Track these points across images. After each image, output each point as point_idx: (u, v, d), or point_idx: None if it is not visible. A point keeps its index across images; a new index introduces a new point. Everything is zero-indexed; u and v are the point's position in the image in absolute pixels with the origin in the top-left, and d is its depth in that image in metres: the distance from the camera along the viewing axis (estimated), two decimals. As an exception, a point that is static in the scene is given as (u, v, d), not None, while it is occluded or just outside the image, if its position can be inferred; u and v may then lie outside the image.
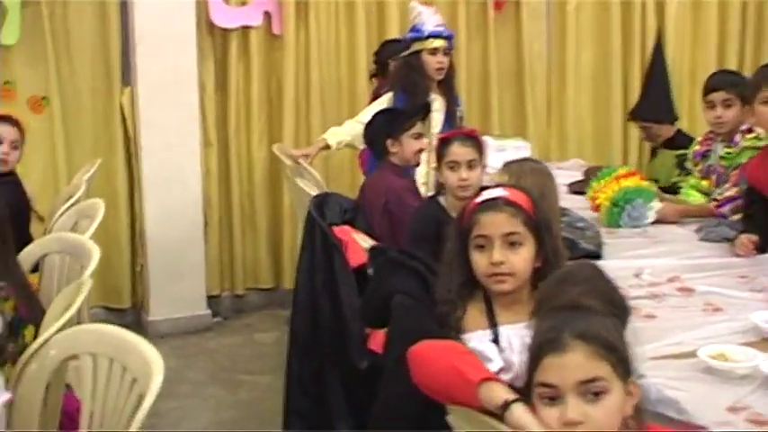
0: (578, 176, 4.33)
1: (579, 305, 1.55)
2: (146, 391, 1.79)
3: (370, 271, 2.70)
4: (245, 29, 4.91)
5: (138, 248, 4.85)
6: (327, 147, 4.27)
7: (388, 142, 3.60)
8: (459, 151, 3.15)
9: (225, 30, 4.88)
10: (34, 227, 3.90)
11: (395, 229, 3.40)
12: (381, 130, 3.63)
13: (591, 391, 1.48)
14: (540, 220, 2.06)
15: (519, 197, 2.07)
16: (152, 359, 1.84)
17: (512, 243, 2.02)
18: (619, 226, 3.50)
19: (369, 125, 3.74)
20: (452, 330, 2.03)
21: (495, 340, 2.02)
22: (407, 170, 3.67)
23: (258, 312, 5.10)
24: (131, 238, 4.85)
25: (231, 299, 5.12)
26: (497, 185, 2.18)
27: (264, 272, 5.17)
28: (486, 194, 2.09)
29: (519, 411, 1.57)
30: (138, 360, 1.88)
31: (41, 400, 2.04)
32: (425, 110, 3.82)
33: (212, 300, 4.96)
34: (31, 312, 2.38)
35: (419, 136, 3.62)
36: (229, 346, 4.62)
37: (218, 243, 5.03)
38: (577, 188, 4.08)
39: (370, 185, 3.63)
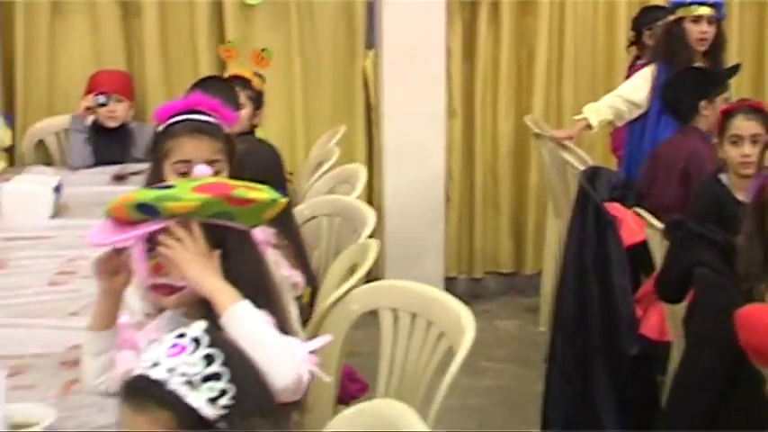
0: None
1: None
2: (455, 345, 2.08)
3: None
4: (496, -8, 5.19)
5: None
6: (589, 126, 4.43)
7: (702, 104, 3.75)
8: (743, 125, 3.27)
9: (475, -8, 5.18)
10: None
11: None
12: (693, 91, 3.78)
13: None
14: None
15: None
16: (461, 314, 2.13)
17: None
18: None
19: (672, 85, 3.90)
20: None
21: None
22: (710, 137, 3.74)
23: (497, 298, 5.35)
24: (368, 212, 5.21)
25: (468, 282, 5.40)
26: None
27: (505, 255, 5.43)
28: None
29: None
30: (445, 315, 2.18)
31: (339, 350, 2.37)
32: (735, 72, 3.93)
33: (448, 282, 5.21)
34: (307, 273, 2.74)
35: (727, 101, 3.75)
36: (468, 332, 4.88)
37: (458, 222, 5.33)
38: None
39: (667, 150, 3.76)
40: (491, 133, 5.35)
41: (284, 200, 1.95)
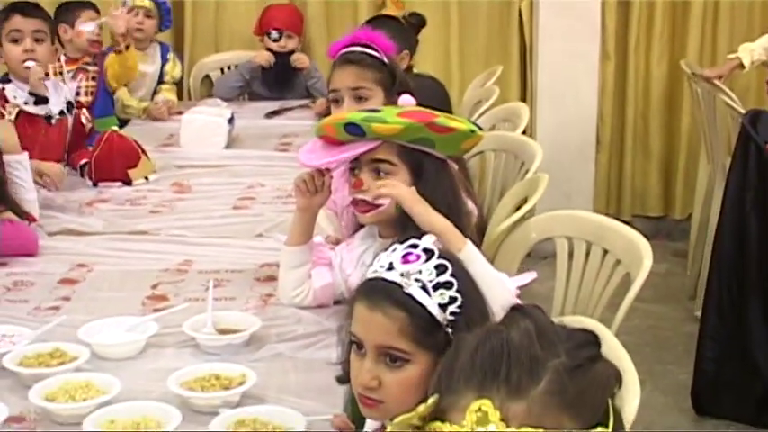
0: None
1: None
2: (633, 272, 2.16)
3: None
4: (657, -68, 5.16)
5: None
6: (741, 66, 4.40)
7: None
8: None
9: (633, -67, 5.15)
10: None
11: None
12: None
13: None
14: None
15: None
16: (638, 241, 2.22)
17: None
18: None
19: None
20: None
21: None
22: None
23: (645, 241, 5.36)
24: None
25: (616, 225, 5.42)
26: None
27: (653, 199, 5.44)
28: None
29: None
30: (621, 243, 2.27)
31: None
32: None
33: (596, 224, 5.27)
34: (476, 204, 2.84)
35: None
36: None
37: (608, 164, 5.36)
38: None
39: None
40: (643, 77, 5.34)
41: (482, 132, 2.05)
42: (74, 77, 4.20)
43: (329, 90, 2.62)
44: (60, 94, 3.43)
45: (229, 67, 5.12)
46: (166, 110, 4.43)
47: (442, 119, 2.00)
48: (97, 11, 4.34)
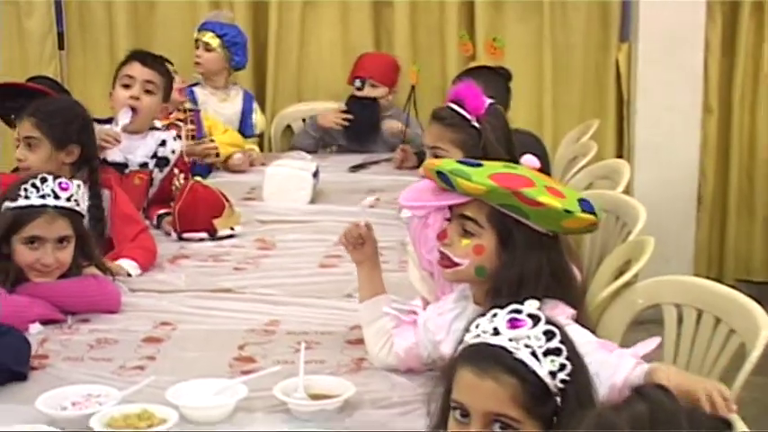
0: None
1: None
2: (749, 343, 2.14)
3: None
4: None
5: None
6: None
7: None
8: None
9: (737, -17, 5.15)
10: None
11: None
12: None
13: None
14: None
15: None
16: (754, 311, 2.19)
17: None
18: None
19: None
20: None
21: None
22: None
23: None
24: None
25: (718, 289, 5.35)
26: None
27: (759, 262, 5.35)
28: None
29: None
30: (735, 311, 2.25)
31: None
32: None
33: (697, 287, 5.20)
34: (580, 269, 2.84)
35: None
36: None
37: (710, 224, 5.30)
38: None
39: None
40: (748, 131, 5.29)
41: (586, 216, 1.97)
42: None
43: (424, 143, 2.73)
44: (147, 146, 3.55)
45: (312, 118, 5.20)
46: (247, 161, 4.49)
47: (532, 190, 1.96)
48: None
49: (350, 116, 4.89)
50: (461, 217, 2.05)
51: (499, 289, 1.99)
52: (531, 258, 2.00)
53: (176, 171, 3.69)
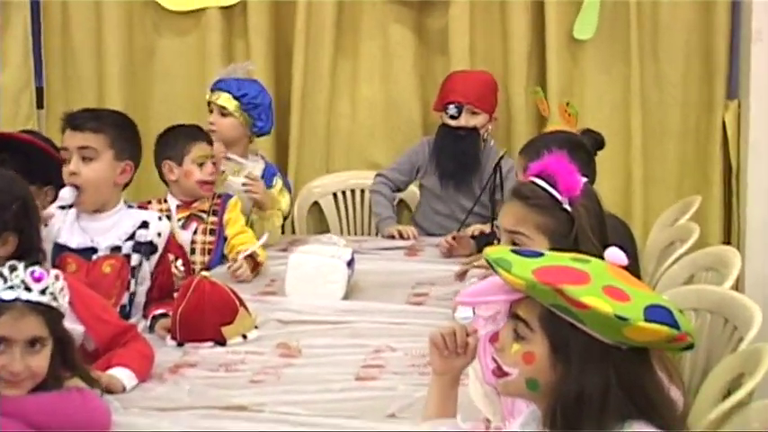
0: None
1: None
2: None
3: None
4: None
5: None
6: None
7: None
8: None
9: None
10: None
11: None
12: None
13: None
14: None
15: None
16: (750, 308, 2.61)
17: None
18: None
19: None
20: None
21: None
22: None
23: None
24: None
25: None
26: None
27: None
28: None
29: None
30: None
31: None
32: None
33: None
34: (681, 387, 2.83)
35: None
36: None
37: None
38: None
39: None
40: None
41: (651, 326, 1.90)
42: (185, 226, 4.38)
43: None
44: (118, 226, 3.59)
45: (344, 193, 5.31)
46: (248, 270, 4.23)
47: (573, 289, 1.92)
48: (210, 142, 4.46)
49: (445, 153, 4.97)
50: (515, 317, 2.04)
51: (554, 408, 1.97)
52: (592, 373, 1.96)
53: (171, 257, 3.72)
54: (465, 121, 4.93)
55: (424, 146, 5.10)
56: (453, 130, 4.94)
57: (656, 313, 1.93)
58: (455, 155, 4.95)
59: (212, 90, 4.79)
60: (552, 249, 2.44)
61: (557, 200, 2.61)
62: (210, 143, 4.42)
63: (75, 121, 3.57)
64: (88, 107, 3.93)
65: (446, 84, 5.05)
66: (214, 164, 4.37)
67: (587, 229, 2.61)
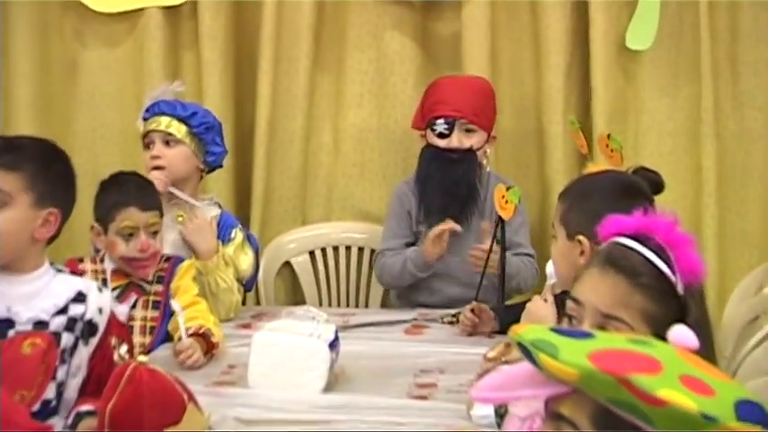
0: None
1: None
2: None
3: None
4: None
5: None
6: None
7: None
8: None
9: None
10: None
11: None
12: None
13: None
14: None
15: None
16: None
17: None
18: None
19: None
20: None
21: None
22: None
23: None
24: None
25: None
26: None
27: None
28: None
29: None
30: None
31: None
32: None
33: None
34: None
35: None
36: None
37: None
38: None
39: None
40: None
41: (744, 427, 1.88)
42: (122, 298, 4.32)
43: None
44: (45, 295, 3.48)
45: (324, 251, 5.26)
46: (200, 351, 4.16)
47: (647, 378, 1.89)
48: (153, 206, 4.32)
49: (432, 182, 4.88)
50: (556, 417, 2.05)
51: None
52: None
53: (114, 341, 3.60)
54: (458, 140, 4.88)
55: (406, 187, 5.04)
56: (442, 152, 4.88)
57: (749, 410, 1.92)
58: (445, 185, 4.89)
59: (146, 118, 4.75)
60: None
61: (672, 284, 2.59)
62: (153, 207, 4.32)
63: None
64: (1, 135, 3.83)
65: (432, 92, 4.99)
66: (155, 233, 4.28)
67: (698, 319, 2.59)
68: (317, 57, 5.36)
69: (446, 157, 4.86)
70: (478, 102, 4.93)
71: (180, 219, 4.64)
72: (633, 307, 2.56)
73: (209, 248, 4.60)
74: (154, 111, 4.73)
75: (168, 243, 4.57)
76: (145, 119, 4.74)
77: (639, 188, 3.70)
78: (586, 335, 2.06)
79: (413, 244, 5.00)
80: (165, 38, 5.36)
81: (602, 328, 2.55)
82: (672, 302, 2.58)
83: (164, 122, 4.69)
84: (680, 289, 2.59)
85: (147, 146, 4.72)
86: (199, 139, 4.72)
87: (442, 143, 4.86)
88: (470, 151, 4.87)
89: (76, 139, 5.26)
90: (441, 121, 4.85)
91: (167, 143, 4.69)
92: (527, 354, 2.01)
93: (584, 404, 1.99)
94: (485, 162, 4.94)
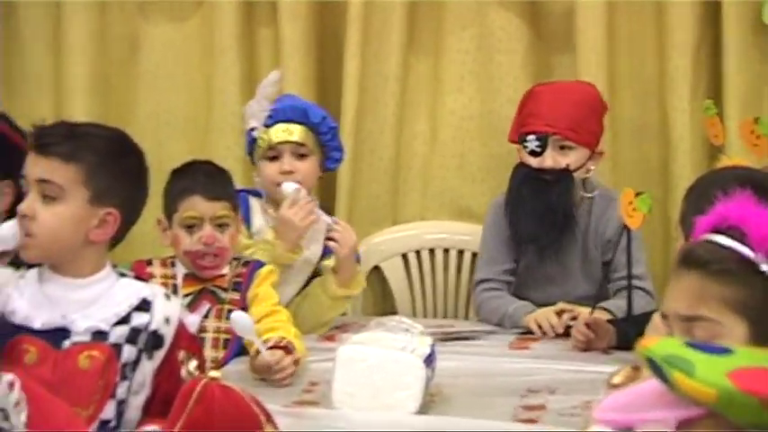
0: None
1: None
2: None
3: None
4: None
5: None
6: None
7: None
8: None
9: None
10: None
11: None
12: None
13: None
14: None
15: None
16: None
17: None
18: None
19: None
20: None
21: None
22: None
23: None
24: None
25: None
26: None
27: None
28: None
29: None
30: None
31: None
32: None
33: None
34: None
35: None
36: None
37: None
38: None
39: None
40: None
41: None
42: (193, 306, 4.26)
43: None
44: (104, 302, 3.40)
45: (419, 254, 5.28)
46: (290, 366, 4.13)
47: None
48: (227, 196, 4.34)
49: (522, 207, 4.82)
50: None
51: None
52: None
53: (182, 355, 3.55)
54: (552, 159, 4.78)
55: (497, 207, 5.00)
56: (534, 172, 4.79)
57: None
58: (537, 211, 4.83)
59: (269, 124, 4.66)
60: (756, 335, 2.50)
61: (748, 260, 2.57)
62: (222, 197, 4.30)
63: (40, 139, 3.43)
64: (64, 120, 3.71)
65: (525, 102, 4.92)
66: (221, 225, 4.23)
67: None
68: (411, 35, 5.34)
69: (539, 178, 4.78)
70: (578, 114, 4.83)
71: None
72: (712, 298, 2.55)
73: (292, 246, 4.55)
74: (280, 117, 4.67)
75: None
76: (267, 125, 4.66)
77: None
78: (725, 350, 2.13)
79: (514, 271, 4.96)
80: (239, 12, 5.35)
81: (688, 333, 2.52)
82: (754, 280, 2.55)
83: (296, 132, 4.63)
84: (763, 265, 2.55)
85: (270, 158, 4.65)
86: (324, 146, 4.70)
87: (534, 162, 4.78)
88: (567, 171, 4.77)
89: (137, 127, 5.20)
90: (532, 137, 4.77)
91: (302, 155, 4.65)
92: (657, 371, 2.09)
93: (720, 427, 2.09)
94: (586, 181, 4.87)
